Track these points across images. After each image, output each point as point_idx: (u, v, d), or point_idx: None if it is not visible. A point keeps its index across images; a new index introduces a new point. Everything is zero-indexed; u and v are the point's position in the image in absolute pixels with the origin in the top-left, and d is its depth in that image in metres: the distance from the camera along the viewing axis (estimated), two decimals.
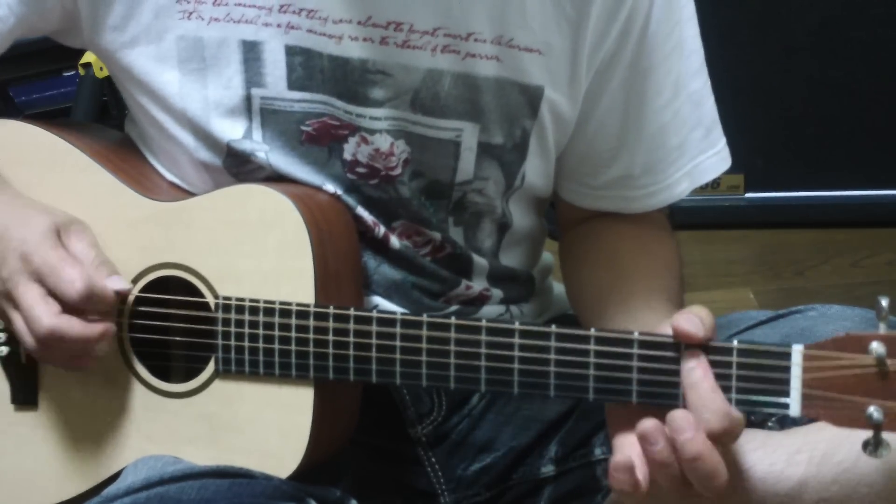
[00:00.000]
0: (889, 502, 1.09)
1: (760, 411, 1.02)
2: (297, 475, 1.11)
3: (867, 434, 0.98)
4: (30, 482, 1.20)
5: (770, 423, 1.13)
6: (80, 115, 2.42)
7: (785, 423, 1.13)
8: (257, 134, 1.17)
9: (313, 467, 1.13)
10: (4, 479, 1.21)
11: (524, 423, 1.25)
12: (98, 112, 2.42)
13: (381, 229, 1.19)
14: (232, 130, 1.17)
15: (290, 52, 1.14)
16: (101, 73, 2.32)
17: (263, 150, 1.17)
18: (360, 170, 1.18)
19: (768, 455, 1.11)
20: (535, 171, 1.23)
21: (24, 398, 1.20)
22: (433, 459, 1.25)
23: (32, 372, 1.20)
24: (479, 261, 1.24)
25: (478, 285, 1.25)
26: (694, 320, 1.00)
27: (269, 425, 1.12)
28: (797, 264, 2.59)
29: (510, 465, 1.25)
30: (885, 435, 0.97)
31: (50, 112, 2.43)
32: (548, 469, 1.23)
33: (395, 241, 1.20)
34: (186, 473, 1.10)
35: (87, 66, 2.07)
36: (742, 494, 1.11)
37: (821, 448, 1.09)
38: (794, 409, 1.00)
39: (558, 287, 1.38)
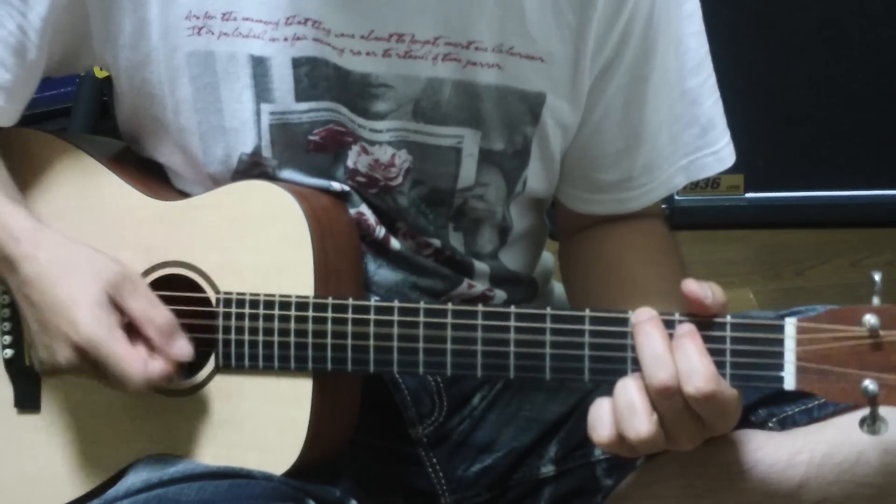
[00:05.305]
0: (889, 503, 1.09)
1: (756, 386, 1.02)
2: (296, 471, 1.12)
3: (864, 413, 0.98)
4: (32, 486, 1.20)
5: (771, 424, 1.13)
6: (81, 115, 2.43)
7: (785, 423, 1.13)
8: (267, 151, 1.17)
9: (313, 465, 1.13)
10: (7, 483, 1.21)
11: (525, 423, 1.25)
12: (98, 112, 2.42)
13: (382, 230, 1.20)
14: (243, 145, 1.17)
15: (297, 64, 1.14)
16: (101, 73, 2.32)
17: (272, 164, 1.18)
18: (360, 179, 1.18)
19: (769, 455, 1.11)
20: (537, 177, 1.23)
21: (27, 402, 1.20)
22: (434, 460, 1.25)
23: (35, 375, 1.20)
24: (480, 265, 1.25)
25: (480, 286, 1.25)
26: (705, 288, 1.01)
27: (267, 420, 1.13)
28: (797, 264, 2.59)
29: (510, 466, 1.25)
30: (883, 411, 0.97)
31: (50, 112, 2.43)
32: (548, 469, 1.23)
33: (395, 242, 1.20)
34: (185, 475, 1.11)
35: None
36: (743, 495, 1.11)
37: (821, 449, 1.09)
38: (789, 382, 1.00)
39: (559, 288, 1.38)
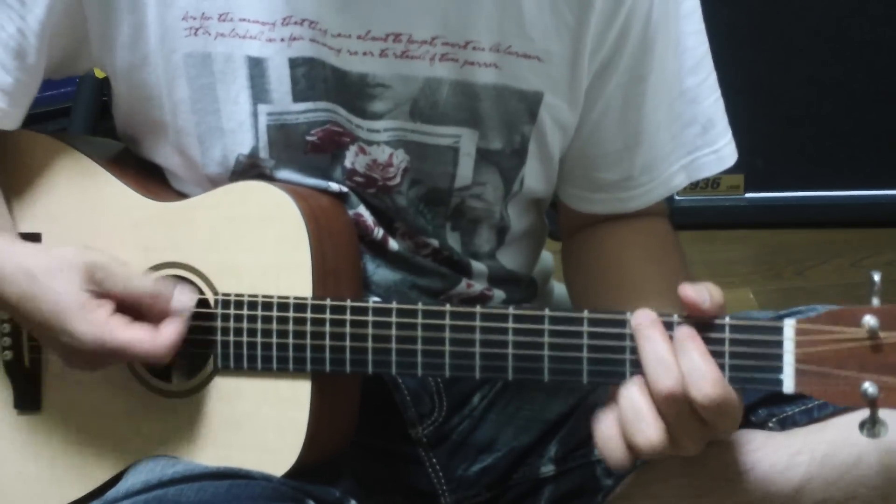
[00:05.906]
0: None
1: (755, 388, 1.01)
2: (295, 472, 1.12)
3: (864, 416, 0.97)
4: (32, 487, 1.20)
5: (771, 424, 1.13)
6: (80, 115, 2.42)
7: (786, 424, 1.13)
8: (264, 152, 1.17)
9: (312, 466, 1.13)
10: (7, 483, 1.21)
11: (525, 423, 1.25)
12: (98, 112, 2.42)
13: (381, 231, 1.19)
14: (240, 146, 1.17)
15: (294, 64, 1.14)
16: (100, 74, 2.32)
17: (269, 165, 1.18)
18: (358, 179, 1.18)
19: (769, 456, 1.11)
20: (535, 176, 1.23)
21: (27, 403, 1.20)
22: (434, 460, 1.25)
23: (35, 376, 1.20)
24: (478, 265, 1.25)
25: (479, 285, 1.25)
26: (702, 291, 1.00)
27: (266, 421, 1.13)
28: (797, 264, 2.59)
29: (511, 466, 1.25)
30: (882, 414, 0.97)
31: (50, 112, 2.43)
32: (548, 469, 1.23)
33: (393, 242, 1.20)
34: (185, 475, 1.11)
35: None
36: (742, 495, 1.11)
37: (821, 449, 1.09)
38: (788, 384, 0.99)
39: (559, 287, 1.38)
